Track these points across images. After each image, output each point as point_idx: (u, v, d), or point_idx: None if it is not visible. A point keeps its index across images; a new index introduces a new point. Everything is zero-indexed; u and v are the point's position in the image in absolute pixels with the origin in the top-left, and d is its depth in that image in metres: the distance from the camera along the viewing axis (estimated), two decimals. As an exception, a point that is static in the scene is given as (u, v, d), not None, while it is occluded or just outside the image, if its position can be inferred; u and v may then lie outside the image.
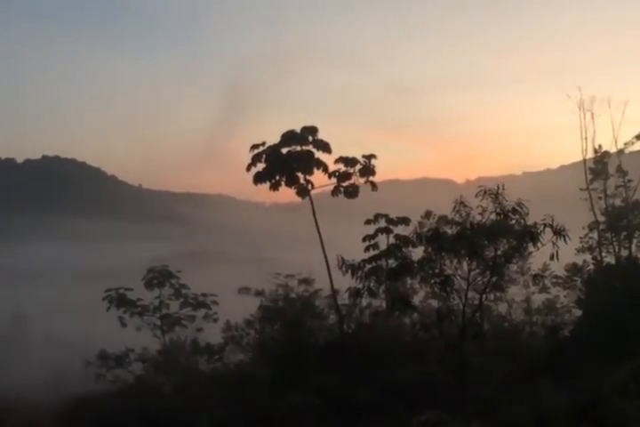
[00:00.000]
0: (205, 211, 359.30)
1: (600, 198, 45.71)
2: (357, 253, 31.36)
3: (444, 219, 25.48)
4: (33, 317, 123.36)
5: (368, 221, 35.20)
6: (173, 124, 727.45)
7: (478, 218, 24.02)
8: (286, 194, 40.16)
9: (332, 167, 37.50)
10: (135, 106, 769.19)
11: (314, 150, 37.26)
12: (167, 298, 46.80)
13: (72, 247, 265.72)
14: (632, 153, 47.28)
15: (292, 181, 37.58)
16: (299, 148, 37.36)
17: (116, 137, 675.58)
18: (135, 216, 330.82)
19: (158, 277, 46.82)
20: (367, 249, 33.41)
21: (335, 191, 37.72)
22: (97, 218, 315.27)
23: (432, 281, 25.37)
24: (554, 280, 44.96)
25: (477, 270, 24.64)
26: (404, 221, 33.98)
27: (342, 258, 28.18)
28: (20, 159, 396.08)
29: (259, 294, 39.67)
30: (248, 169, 37.49)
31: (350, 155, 37.63)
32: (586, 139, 46.08)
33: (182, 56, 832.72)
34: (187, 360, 42.88)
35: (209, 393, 35.75)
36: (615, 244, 45.01)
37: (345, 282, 30.45)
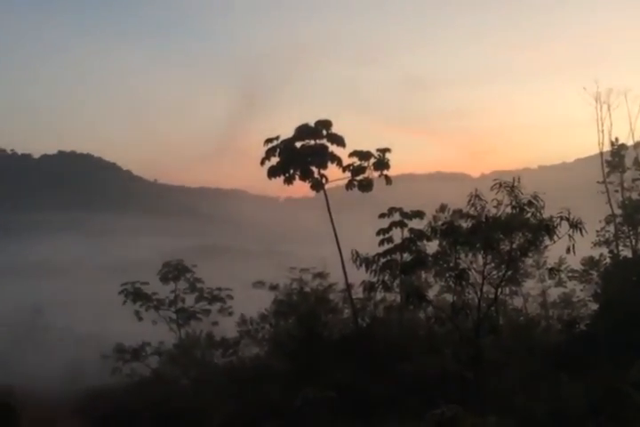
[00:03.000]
0: (220, 205, 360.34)
1: (617, 191, 45.35)
2: (372, 247, 31.31)
3: (458, 212, 25.35)
4: (51, 310, 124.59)
5: (382, 215, 35.07)
6: (188, 119, 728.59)
7: (493, 211, 23.87)
8: (300, 188, 40.13)
9: (346, 161, 37.39)
10: (150, 101, 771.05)
11: (328, 144, 37.15)
12: (182, 292, 47.13)
13: (87, 242, 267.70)
14: (649, 146, 46.76)
15: (306, 175, 37.51)
16: (313, 142, 37.27)
17: (131, 132, 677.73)
18: (150, 211, 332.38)
19: (173, 271, 47.13)
20: (381, 243, 33.33)
21: (349, 185, 37.60)
22: (112, 213, 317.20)
23: (447, 275, 25.28)
24: (570, 274, 44.71)
25: (493, 264, 24.51)
26: (419, 214, 33.80)
27: (357, 252, 28.13)
28: (36, 155, 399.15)
29: (273, 288, 39.71)
30: (262, 163, 37.46)
31: (364, 149, 37.51)
32: (602, 132, 45.71)
33: (197, 51, 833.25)
34: (202, 354, 43.11)
35: (224, 387, 35.92)
36: (632, 237, 44.64)
37: (359, 276, 30.43)
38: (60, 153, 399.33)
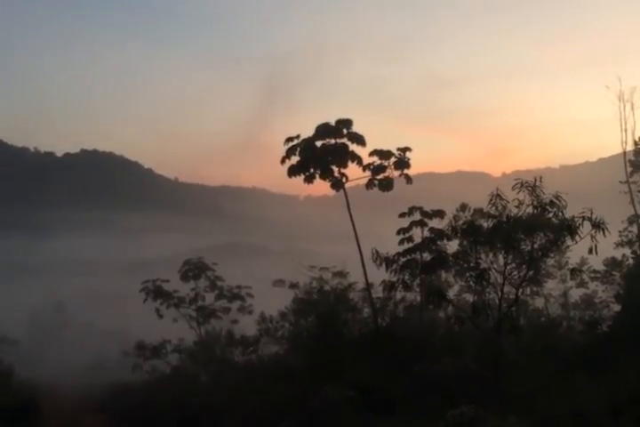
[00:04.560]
0: (240, 204, 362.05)
1: (640, 192, 44.80)
2: (392, 247, 31.25)
3: (479, 212, 25.20)
4: (73, 306, 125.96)
5: (402, 214, 34.95)
6: (209, 118, 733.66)
7: (515, 211, 23.72)
8: (320, 187, 40.15)
9: (366, 160, 37.31)
10: (172, 100, 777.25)
11: (348, 143, 37.12)
12: (203, 290, 47.29)
13: (109, 239, 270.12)
14: (674, 145, 46.07)
15: (326, 174, 37.54)
16: (333, 140, 37.25)
17: (153, 131, 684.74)
18: (170, 209, 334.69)
19: (194, 269, 47.30)
20: (401, 242, 33.24)
21: (369, 184, 37.55)
22: (133, 211, 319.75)
23: (467, 275, 25.16)
24: (592, 275, 44.25)
25: (513, 264, 24.36)
26: (439, 213, 33.66)
27: (377, 251, 28.13)
28: (59, 153, 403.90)
29: (293, 286, 39.82)
30: (282, 162, 37.55)
31: (385, 147, 37.43)
32: (625, 130, 45.07)
33: (217, 50, 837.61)
34: (222, 352, 43.30)
35: (243, 384, 36.08)
36: (656, 238, 44.01)
37: (379, 275, 30.40)
38: (83, 151, 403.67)
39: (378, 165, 37.22)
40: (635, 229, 44.29)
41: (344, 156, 37.14)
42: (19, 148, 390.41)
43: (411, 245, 32.76)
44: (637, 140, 45.45)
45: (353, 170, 37.80)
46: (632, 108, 44.52)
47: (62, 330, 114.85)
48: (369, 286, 36.77)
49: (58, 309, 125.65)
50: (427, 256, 30.70)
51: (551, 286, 43.91)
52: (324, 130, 37.19)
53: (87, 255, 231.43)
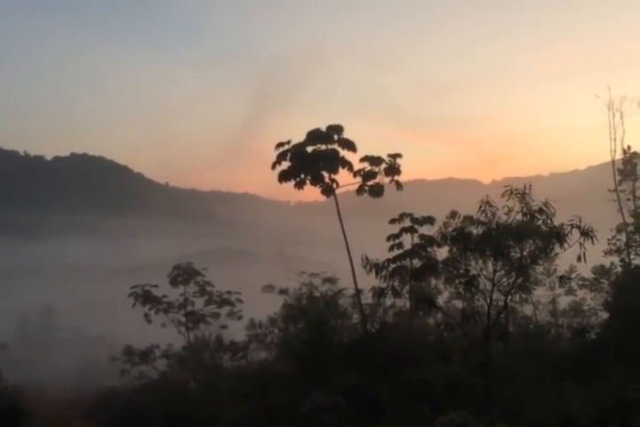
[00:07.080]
0: (230, 209, 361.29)
1: (629, 200, 45.08)
2: (382, 253, 31.31)
3: (469, 219, 25.28)
4: (62, 312, 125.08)
5: (393, 221, 34.97)
6: (200, 123, 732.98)
7: (504, 218, 23.81)
8: (311, 193, 40.25)
9: (357, 166, 37.43)
10: (162, 105, 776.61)
11: (339, 149, 37.22)
12: (192, 295, 47.12)
13: (98, 244, 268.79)
14: (662, 154, 46.44)
15: (316, 180, 37.57)
16: (324, 146, 37.35)
17: (143, 135, 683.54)
18: (161, 214, 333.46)
19: (183, 274, 47.15)
20: (391, 249, 33.29)
21: (360, 190, 37.63)
22: (123, 215, 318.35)
23: (457, 281, 25.23)
24: (580, 282, 44.45)
25: (503, 271, 24.43)
26: (429, 220, 33.74)
27: (366, 257, 28.19)
28: (48, 157, 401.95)
29: (283, 292, 39.74)
30: (273, 167, 37.58)
31: (376, 154, 37.54)
32: (615, 139, 45.46)
33: (209, 55, 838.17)
34: (211, 357, 43.16)
35: (232, 390, 35.96)
36: (643, 246, 44.28)
37: (369, 281, 30.44)
38: (73, 155, 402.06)
39: (368, 172, 37.32)
40: (623, 237, 44.54)
41: (335, 161, 37.21)
42: (8, 151, 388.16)
43: (401, 251, 32.83)
44: (626, 148, 45.83)
45: (343, 176, 37.92)
46: (621, 117, 44.94)
47: (50, 334, 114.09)
48: (358, 292, 36.76)
49: (46, 313, 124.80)
50: (416, 263, 30.78)
51: (540, 293, 44.05)
52: (315, 136, 37.26)
53: (75, 260, 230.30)
